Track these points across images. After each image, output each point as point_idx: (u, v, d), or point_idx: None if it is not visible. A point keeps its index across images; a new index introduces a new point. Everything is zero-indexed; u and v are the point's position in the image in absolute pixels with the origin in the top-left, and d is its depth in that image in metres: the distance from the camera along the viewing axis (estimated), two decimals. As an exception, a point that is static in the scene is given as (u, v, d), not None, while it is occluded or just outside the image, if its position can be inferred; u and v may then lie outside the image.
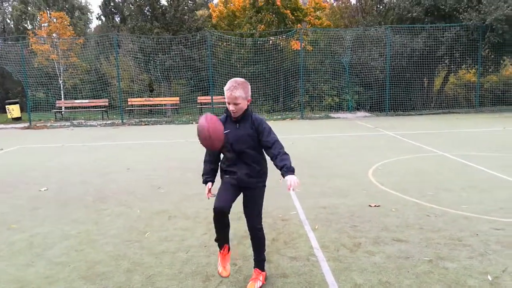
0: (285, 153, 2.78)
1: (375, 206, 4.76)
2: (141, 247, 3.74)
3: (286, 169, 2.66)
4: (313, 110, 18.36)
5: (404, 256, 3.41)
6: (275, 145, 2.78)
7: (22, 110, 19.47)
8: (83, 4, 39.18)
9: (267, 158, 2.90)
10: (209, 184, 3.01)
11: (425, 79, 18.95)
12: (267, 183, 3.03)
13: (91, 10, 40.72)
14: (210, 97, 17.33)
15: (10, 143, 11.17)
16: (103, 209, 4.90)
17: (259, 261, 3.05)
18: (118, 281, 3.11)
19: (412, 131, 11.47)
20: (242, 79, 2.85)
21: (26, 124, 15.93)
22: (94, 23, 41.50)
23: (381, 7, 22.72)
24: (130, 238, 3.99)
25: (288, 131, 11.89)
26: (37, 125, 15.67)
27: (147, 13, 22.94)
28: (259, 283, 2.95)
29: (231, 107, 2.81)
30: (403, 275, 3.07)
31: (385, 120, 14.82)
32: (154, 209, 4.87)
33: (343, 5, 25.59)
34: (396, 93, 17.07)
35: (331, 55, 18.67)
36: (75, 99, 20.75)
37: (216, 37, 19.30)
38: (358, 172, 6.56)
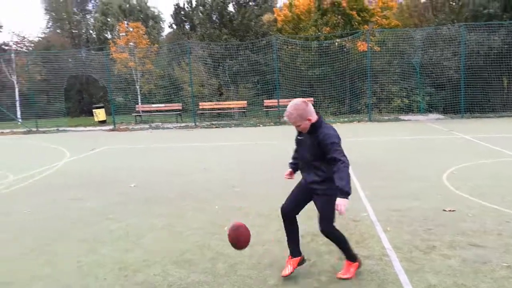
0: (343, 170, 2.85)
1: (450, 210, 4.70)
2: (222, 239, 4.09)
3: (340, 191, 2.83)
4: (381, 112, 17.94)
5: (481, 260, 3.39)
6: (335, 162, 2.89)
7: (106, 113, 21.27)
8: (156, 14, 41.71)
9: None
10: (290, 170, 3.46)
11: (504, 78, 17.66)
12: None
13: (163, 19, 43.20)
14: (276, 100, 17.66)
15: (100, 143, 12.39)
16: (185, 205, 5.37)
17: (346, 255, 3.23)
18: (204, 267, 3.48)
19: (491, 134, 10.83)
20: (298, 102, 3.04)
21: (111, 127, 17.45)
22: (166, 31, 43.99)
23: (453, 4, 21.59)
24: (211, 231, 4.37)
25: (355, 134, 11.82)
26: (121, 127, 17.11)
27: (216, 20, 23.96)
28: (348, 275, 3.15)
29: (296, 128, 3.15)
30: (480, 279, 3.07)
31: (460, 123, 14.10)
32: (231, 206, 5.24)
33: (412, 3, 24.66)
34: (472, 94, 16.12)
35: (400, 56, 18.12)
36: (151, 103, 22.26)
37: (282, 41, 19.60)
38: (431, 175, 6.43)
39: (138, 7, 37.89)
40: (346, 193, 2.82)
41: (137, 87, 23.48)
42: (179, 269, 3.47)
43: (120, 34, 32.30)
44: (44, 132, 17.47)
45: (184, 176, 7.23)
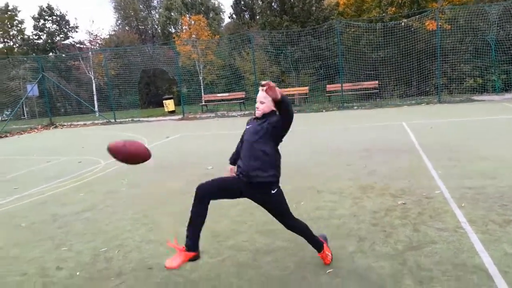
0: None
1: (528, 188, 4.63)
2: (299, 213, 4.43)
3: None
4: (451, 93, 17.16)
5: (563, 234, 3.39)
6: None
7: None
8: (216, 6, 42.76)
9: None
10: (231, 166, 3.44)
11: None
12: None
13: (223, 10, 44.19)
14: (339, 85, 17.57)
15: (173, 132, 13.31)
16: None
17: (313, 244, 3.22)
18: (286, 236, 3.83)
19: None
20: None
21: (180, 116, 18.52)
22: (225, 22, 44.98)
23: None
24: (289, 205, 4.72)
25: (425, 116, 11.54)
26: (189, 116, 18.11)
27: (276, 8, 24.13)
28: (328, 259, 3.21)
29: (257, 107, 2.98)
30: (561, 250, 3.11)
31: (542, 101, 13.12)
32: (303, 185, 5.56)
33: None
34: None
35: (473, 33, 17.09)
36: (213, 93, 23.17)
37: (344, 24, 19.33)
38: (507, 155, 6.25)
39: (199, 0, 39.05)
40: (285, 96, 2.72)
41: (200, 78, 24.50)
42: (264, 237, 3.87)
43: (183, 28, 33.77)
44: (120, 122, 18.96)
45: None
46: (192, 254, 2.92)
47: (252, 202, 4.79)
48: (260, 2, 29.45)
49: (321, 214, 4.37)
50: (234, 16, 37.74)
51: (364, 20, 20.54)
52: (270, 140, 2.98)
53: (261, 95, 2.93)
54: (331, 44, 19.47)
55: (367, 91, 17.92)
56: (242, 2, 35.56)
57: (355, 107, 15.79)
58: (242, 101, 20.09)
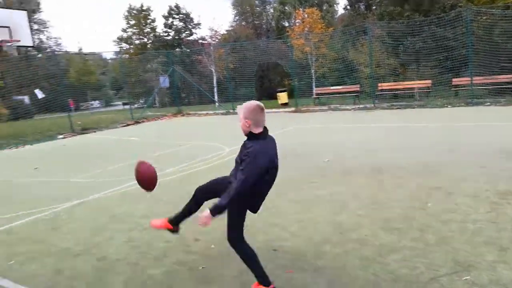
0: (230, 193, 2.74)
1: None
2: (426, 214, 4.21)
3: (212, 206, 2.72)
4: None
5: None
6: (237, 180, 2.77)
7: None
8: (330, -3, 42.01)
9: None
10: None
11: None
12: None
13: (337, 2, 43.23)
14: (468, 79, 15.92)
15: (286, 124, 13.62)
16: (382, 179, 5.63)
17: (254, 274, 2.97)
18: (413, 236, 3.69)
19: None
20: (251, 103, 2.96)
21: (293, 109, 18.81)
22: (339, 13, 43.97)
23: None
24: (413, 205, 4.52)
25: None
26: (302, 109, 18.30)
27: (398, -4, 22.76)
28: None
29: None
30: None
31: None
32: (430, 184, 5.24)
33: None
34: None
35: None
36: (324, 86, 22.94)
37: (474, 12, 17.37)
38: None
39: (314, -7, 38.80)
40: (215, 210, 2.71)
41: (312, 71, 24.46)
42: (388, 234, 3.78)
43: (296, 21, 34.01)
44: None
45: (372, 153, 7.46)
46: (170, 226, 3.38)
47: (373, 195, 4.71)
48: (379, -8, 28.12)
49: (453, 217, 4.08)
50: (348, 7, 36.68)
51: (499, 7, 18.17)
52: None
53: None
54: (458, 34, 17.68)
55: (502, 86, 15.90)
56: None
57: (488, 103, 14.15)
58: (356, 94, 19.55)
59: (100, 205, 5.56)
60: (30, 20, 14.03)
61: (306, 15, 30.16)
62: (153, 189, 3.33)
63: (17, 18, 13.09)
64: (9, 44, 12.47)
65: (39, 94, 16.59)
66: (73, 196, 6.14)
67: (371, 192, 5.08)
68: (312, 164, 7.00)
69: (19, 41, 12.78)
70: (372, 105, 16.95)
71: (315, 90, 21.80)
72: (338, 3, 43.53)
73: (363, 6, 34.77)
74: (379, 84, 18.95)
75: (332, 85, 21.99)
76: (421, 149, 7.57)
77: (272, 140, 3.10)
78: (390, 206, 4.54)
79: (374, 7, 31.53)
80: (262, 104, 2.96)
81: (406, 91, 18.79)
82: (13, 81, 37.20)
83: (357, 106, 17.49)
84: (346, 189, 5.32)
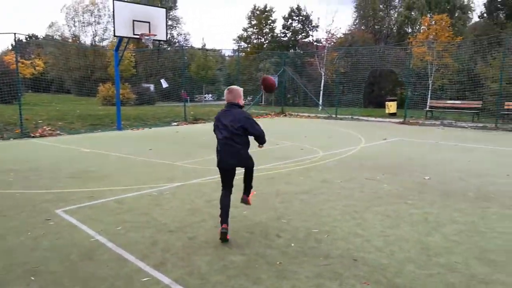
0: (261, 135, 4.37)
1: None
2: (534, 252, 3.75)
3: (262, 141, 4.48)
4: None
5: None
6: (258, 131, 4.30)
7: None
8: (465, 3, 38.47)
9: None
10: None
11: None
12: None
13: (473, 9, 39.39)
14: None
15: (391, 134, 13.03)
16: (487, 208, 5.11)
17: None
18: (510, 271, 3.33)
19: None
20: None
21: (401, 120, 17.87)
22: (473, 21, 39.98)
23: None
24: (520, 240, 4.04)
25: None
26: (410, 121, 17.27)
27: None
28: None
29: None
30: None
31: None
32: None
33: None
34: None
35: None
36: (441, 98, 21.18)
37: None
38: None
39: (446, -2, 36.02)
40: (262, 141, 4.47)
41: (429, 81, 22.78)
42: (482, 265, 3.47)
43: (421, 28, 31.92)
44: (341, 118, 19.72)
45: (482, 178, 6.77)
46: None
47: (473, 223, 4.41)
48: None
49: None
50: (485, 15, 33.20)
51: None
52: None
53: None
54: None
55: None
56: (499, 0, 30.82)
57: None
58: (476, 111, 17.72)
59: (199, 189, 6.07)
60: (167, 16, 15.68)
61: (433, 22, 28.23)
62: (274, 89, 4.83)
63: (157, 14, 14.78)
64: (147, 37, 14.14)
65: (164, 83, 18.47)
66: (177, 178, 6.80)
67: (471, 219, 4.66)
68: (410, 180, 6.65)
69: (156, 35, 14.41)
70: (494, 125, 15.22)
71: (429, 102, 20.33)
72: (474, 10, 39.66)
73: (504, 15, 31.11)
74: (507, 103, 16.91)
75: (450, 99, 20.27)
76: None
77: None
78: (491, 236, 4.13)
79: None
80: (230, 87, 4.36)
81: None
82: (144, 70, 41.94)
83: (475, 125, 15.90)
84: (443, 211, 4.96)
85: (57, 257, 3.66)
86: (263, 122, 17.93)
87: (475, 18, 39.71)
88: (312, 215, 4.84)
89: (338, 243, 3.97)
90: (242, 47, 50.35)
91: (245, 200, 4.41)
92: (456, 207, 5.12)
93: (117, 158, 8.82)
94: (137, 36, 14.07)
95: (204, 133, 14.17)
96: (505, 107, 16.79)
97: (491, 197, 5.59)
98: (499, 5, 30.95)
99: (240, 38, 51.42)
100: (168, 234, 4.22)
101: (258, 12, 50.03)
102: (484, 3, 32.44)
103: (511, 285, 3.12)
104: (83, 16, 57.50)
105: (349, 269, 3.40)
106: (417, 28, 37.18)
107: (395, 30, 42.91)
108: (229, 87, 4.35)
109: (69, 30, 58.53)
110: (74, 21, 57.77)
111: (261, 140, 4.32)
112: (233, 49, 54.30)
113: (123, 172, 7.36)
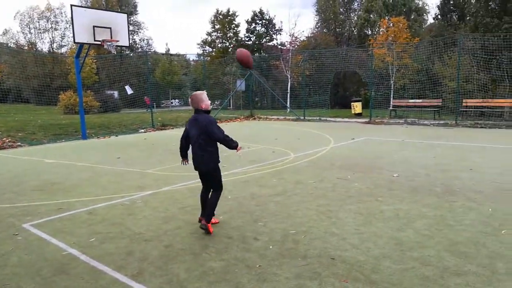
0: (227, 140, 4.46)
1: None
2: (499, 241, 3.95)
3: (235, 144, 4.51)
4: None
5: None
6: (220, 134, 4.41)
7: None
8: (420, 6, 40.10)
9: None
10: None
11: None
12: None
13: (427, 11, 41.12)
14: None
15: (358, 134, 13.36)
16: (453, 201, 5.34)
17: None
18: (481, 262, 3.49)
19: None
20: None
21: (367, 120, 18.35)
22: (428, 23, 41.72)
23: None
24: (485, 230, 4.25)
25: None
26: (376, 120, 17.78)
27: (495, 8, 21.15)
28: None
29: None
30: None
31: None
32: (507, 211, 4.88)
33: None
34: None
35: None
36: (403, 98, 21.96)
37: None
38: None
39: (402, 1, 37.41)
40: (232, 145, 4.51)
41: (391, 82, 23.58)
42: (454, 257, 3.62)
43: (380, 30, 32.99)
44: (309, 120, 20.02)
45: (447, 173, 7.07)
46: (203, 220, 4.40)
47: (442, 216, 4.59)
48: (473, 1, 26.32)
49: (530, 247, 3.77)
50: (439, 17, 34.72)
51: None
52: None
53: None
54: None
55: None
56: (451, 2, 32.33)
57: None
58: (437, 109, 18.49)
59: (171, 196, 5.98)
60: (128, 21, 15.35)
61: (391, 24, 29.23)
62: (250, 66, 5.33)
63: (118, 20, 14.43)
64: (109, 43, 13.78)
65: (129, 90, 18.08)
66: (148, 186, 6.67)
67: (440, 213, 4.86)
68: (380, 178, 6.84)
69: (118, 41, 14.07)
70: (454, 122, 15.95)
71: (392, 102, 21.02)
72: (428, 12, 41.39)
73: (456, 16, 32.65)
74: (465, 100, 17.76)
75: (412, 98, 21.05)
76: (502, 173, 7.02)
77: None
78: (459, 229, 4.32)
79: (468, 18, 29.53)
80: (194, 93, 4.47)
81: (494, 110, 17.37)
82: (106, 77, 40.89)
83: (437, 122, 16.58)
84: (413, 207, 5.14)
85: (28, 273, 3.50)
86: (232, 126, 18.03)
87: (430, 19, 41.51)
88: (288, 216, 4.88)
89: (315, 242, 4.03)
90: (207, 51, 50.13)
91: (204, 227, 4.31)
92: (425, 202, 5.32)
93: (84, 168, 8.54)
94: (99, 43, 13.69)
95: (174, 139, 13.97)
96: (463, 104, 17.62)
97: (457, 191, 5.84)
98: (451, 7, 32.46)
99: (205, 42, 51.20)
100: (144, 243, 4.13)
101: (221, 16, 50.01)
102: (438, 5, 33.92)
103: (483, 275, 3.27)
104: (39, 22, 55.48)
105: (328, 268, 3.46)
106: (376, 30, 38.37)
107: (355, 33, 44.06)
108: (191, 94, 4.48)
109: (25, 37, 56.31)
110: (29, 28, 55.65)
111: (226, 144, 4.38)
112: (197, 54, 53.97)
113: (91, 182, 7.13)
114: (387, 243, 3.98)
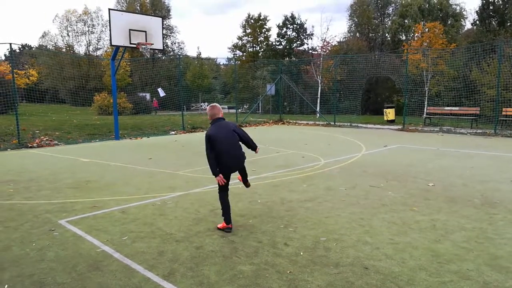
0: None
1: None
2: (545, 258, 3.72)
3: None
4: None
5: None
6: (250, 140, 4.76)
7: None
8: (457, 11, 38.94)
9: None
10: None
11: None
12: None
13: (465, 16, 39.86)
14: None
15: (390, 141, 13.05)
16: (494, 214, 5.09)
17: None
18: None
19: None
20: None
21: (400, 126, 17.92)
22: (465, 29, 40.44)
23: None
24: None
25: None
26: (409, 128, 17.32)
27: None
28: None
29: None
30: None
31: None
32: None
33: None
34: None
35: None
36: (437, 105, 21.29)
37: None
38: None
39: (438, 6, 36.46)
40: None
41: (426, 88, 22.93)
42: (494, 272, 3.44)
43: (415, 35, 32.23)
44: (339, 126, 19.75)
45: (486, 184, 6.77)
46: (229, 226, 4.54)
47: (481, 229, 4.40)
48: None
49: None
50: (477, 22, 33.61)
51: None
52: None
53: None
54: None
55: None
56: (491, 7, 31.22)
57: None
58: (474, 117, 17.82)
59: (201, 198, 6.01)
60: (163, 25, 15.68)
61: (426, 29, 28.52)
62: None
63: (153, 23, 14.79)
64: (144, 46, 14.12)
65: (161, 92, 18.43)
66: (178, 187, 6.74)
67: (479, 225, 4.64)
68: (414, 186, 6.63)
69: (152, 44, 14.40)
70: (493, 131, 15.30)
71: (426, 109, 20.44)
72: (466, 18, 40.10)
73: (496, 22, 31.51)
74: (504, 109, 17.03)
75: (447, 106, 20.39)
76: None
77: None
78: (501, 243, 4.11)
79: (508, 24, 28.45)
80: (213, 104, 4.74)
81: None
82: (139, 79, 41.92)
83: (474, 131, 15.96)
84: (450, 218, 4.93)
85: (64, 268, 3.58)
86: (261, 130, 18.04)
87: (468, 25, 40.21)
88: (318, 223, 4.79)
89: (348, 251, 3.93)
90: (238, 55, 50.50)
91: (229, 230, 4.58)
92: (463, 214, 5.10)
93: (118, 168, 8.74)
94: (134, 45, 14.05)
95: (203, 142, 14.14)
96: (503, 113, 16.90)
97: (497, 203, 5.58)
98: (491, 13, 31.33)
99: (235, 46, 51.59)
100: (175, 244, 4.16)
101: (252, 21, 50.29)
102: (477, 11, 32.82)
103: (527, 292, 3.09)
104: (76, 25, 57.58)
105: (361, 278, 3.36)
106: (411, 35, 37.53)
107: (389, 38, 43.27)
108: (211, 104, 4.75)
109: (63, 40, 58.57)
110: (67, 31, 57.84)
111: (252, 144, 4.73)
112: (227, 58, 54.48)
113: (124, 181, 7.29)
114: (423, 255, 3.83)
